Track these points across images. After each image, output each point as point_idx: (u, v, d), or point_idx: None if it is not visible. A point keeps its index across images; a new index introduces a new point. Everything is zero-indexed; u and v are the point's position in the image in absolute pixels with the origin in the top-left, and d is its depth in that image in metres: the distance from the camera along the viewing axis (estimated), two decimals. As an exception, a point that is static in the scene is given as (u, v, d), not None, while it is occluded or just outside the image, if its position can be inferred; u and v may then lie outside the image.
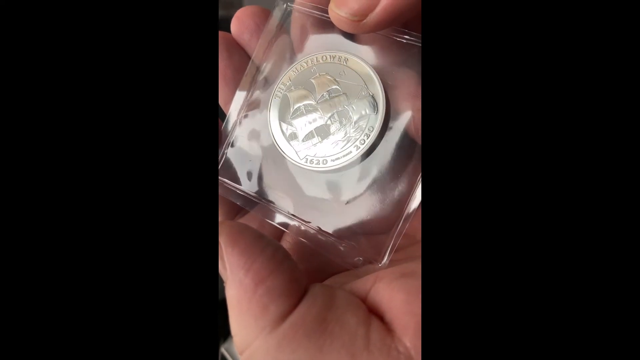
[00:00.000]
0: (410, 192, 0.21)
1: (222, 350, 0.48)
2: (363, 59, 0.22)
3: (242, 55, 0.24)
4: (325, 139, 0.22)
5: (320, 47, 0.24)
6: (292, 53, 0.24)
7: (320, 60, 0.23)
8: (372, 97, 0.22)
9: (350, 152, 0.22)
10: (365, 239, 0.22)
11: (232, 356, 0.48)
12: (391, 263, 0.21)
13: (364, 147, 0.22)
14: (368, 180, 0.22)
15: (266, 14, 0.24)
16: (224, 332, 0.48)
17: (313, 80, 0.23)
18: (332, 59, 0.23)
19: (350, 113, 0.22)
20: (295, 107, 0.23)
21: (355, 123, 0.22)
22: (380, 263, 0.21)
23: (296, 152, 0.23)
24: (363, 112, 0.22)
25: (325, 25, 0.23)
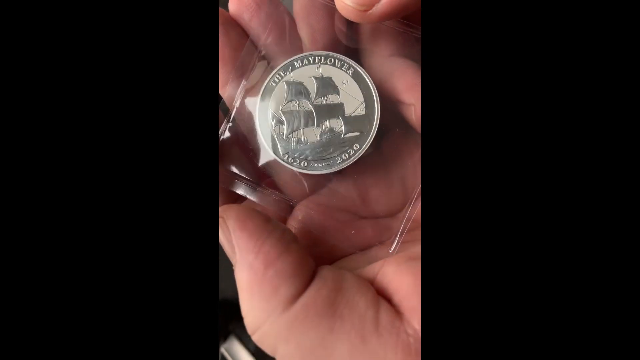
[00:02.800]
0: (417, 179, 0.22)
1: (222, 350, 0.48)
2: (369, 76, 0.22)
3: (240, 34, 0.23)
4: (311, 142, 0.22)
5: (328, 40, 0.23)
6: (294, 38, 0.23)
7: (328, 63, 0.22)
8: (368, 117, 0.22)
9: (332, 162, 0.22)
10: (374, 223, 0.23)
11: (232, 356, 0.48)
12: (399, 247, 0.22)
13: (346, 161, 0.22)
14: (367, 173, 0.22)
15: None
16: (224, 332, 0.48)
17: (314, 80, 0.23)
18: (339, 64, 0.22)
19: (342, 126, 0.22)
20: (289, 100, 0.23)
21: (344, 136, 0.22)
22: (390, 249, 0.21)
23: (279, 146, 0.22)
24: (355, 132, 0.22)
25: (330, 12, 0.22)
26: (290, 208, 0.23)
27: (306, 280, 0.18)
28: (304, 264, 0.19)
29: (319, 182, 0.23)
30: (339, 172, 0.23)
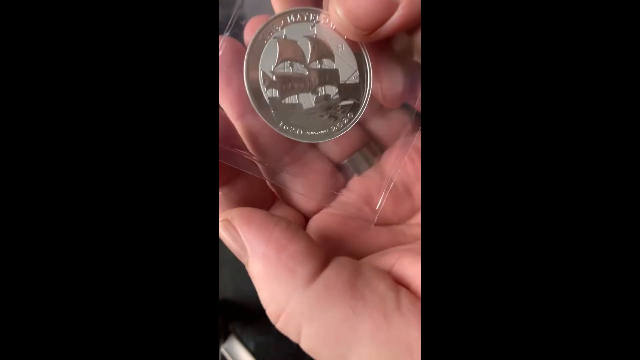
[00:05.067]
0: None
1: (222, 350, 0.48)
2: (364, 46, 0.21)
3: None
4: (307, 108, 0.21)
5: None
6: None
7: (322, 22, 0.21)
8: (360, 86, 0.21)
9: (328, 130, 0.21)
10: (388, 229, 0.23)
11: (232, 356, 0.48)
12: (415, 231, 0.22)
13: (341, 130, 0.21)
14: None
15: None
16: (224, 332, 0.48)
17: (309, 41, 0.21)
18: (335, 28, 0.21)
19: (336, 94, 0.21)
20: (282, 60, 0.21)
21: (340, 106, 0.21)
22: (377, 206, 0.22)
23: (273, 115, 0.21)
24: (348, 100, 0.21)
25: None
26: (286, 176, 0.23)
27: (320, 262, 0.19)
28: (316, 248, 0.19)
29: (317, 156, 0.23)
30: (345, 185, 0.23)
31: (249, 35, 0.21)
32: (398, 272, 0.20)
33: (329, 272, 0.19)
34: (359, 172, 0.24)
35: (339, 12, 0.19)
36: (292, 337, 0.19)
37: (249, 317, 0.47)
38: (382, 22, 0.19)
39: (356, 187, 0.24)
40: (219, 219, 0.20)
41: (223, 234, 0.20)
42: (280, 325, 0.19)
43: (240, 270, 0.20)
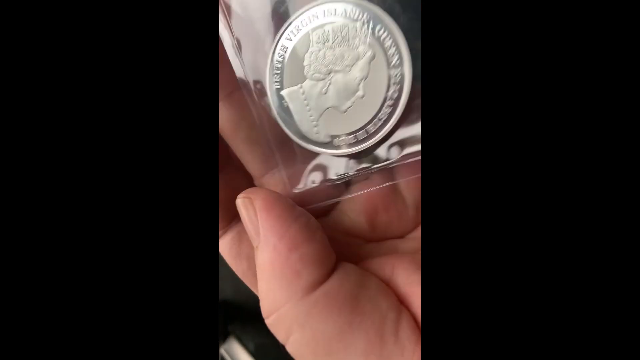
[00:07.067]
0: None
1: (222, 351, 0.48)
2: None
3: None
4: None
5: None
6: None
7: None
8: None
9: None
10: (381, 245, 0.22)
11: (231, 357, 0.48)
12: (409, 246, 0.21)
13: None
14: None
15: None
16: (224, 333, 0.48)
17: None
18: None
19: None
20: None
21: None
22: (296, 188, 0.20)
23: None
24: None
25: None
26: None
27: (328, 269, 0.18)
28: (328, 253, 0.18)
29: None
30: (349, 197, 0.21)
31: None
32: (397, 291, 0.19)
33: (333, 281, 0.18)
34: None
35: None
36: (279, 337, 0.18)
37: (249, 317, 0.47)
38: None
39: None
40: (240, 196, 0.19)
41: (240, 210, 0.19)
42: (271, 322, 0.18)
43: (240, 270, 0.20)
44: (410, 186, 0.22)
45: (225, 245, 0.22)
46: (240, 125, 0.20)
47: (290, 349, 0.18)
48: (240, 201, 0.19)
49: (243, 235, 0.21)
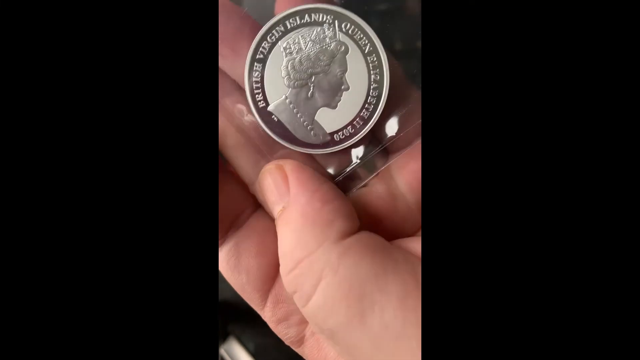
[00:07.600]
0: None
1: (222, 351, 0.48)
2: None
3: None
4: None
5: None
6: None
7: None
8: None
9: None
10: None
11: (231, 357, 0.48)
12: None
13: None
14: None
15: None
16: (223, 333, 0.48)
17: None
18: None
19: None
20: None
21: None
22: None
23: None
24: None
25: None
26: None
27: (357, 226, 0.18)
28: (355, 214, 0.19)
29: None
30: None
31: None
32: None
33: (364, 234, 0.18)
34: None
35: None
36: (304, 289, 0.18)
37: (249, 318, 0.47)
38: None
39: None
40: (267, 165, 0.19)
41: (266, 178, 0.19)
42: (297, 272, 0.18)
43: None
44: (411, 187, 0.22)
45: (223, 258, 0.21)
46: (228, 132, 0.21)
47: (316, 300, 0.17)
48: (267, 168, 0.19)
49: (242, 248, 0.21)
